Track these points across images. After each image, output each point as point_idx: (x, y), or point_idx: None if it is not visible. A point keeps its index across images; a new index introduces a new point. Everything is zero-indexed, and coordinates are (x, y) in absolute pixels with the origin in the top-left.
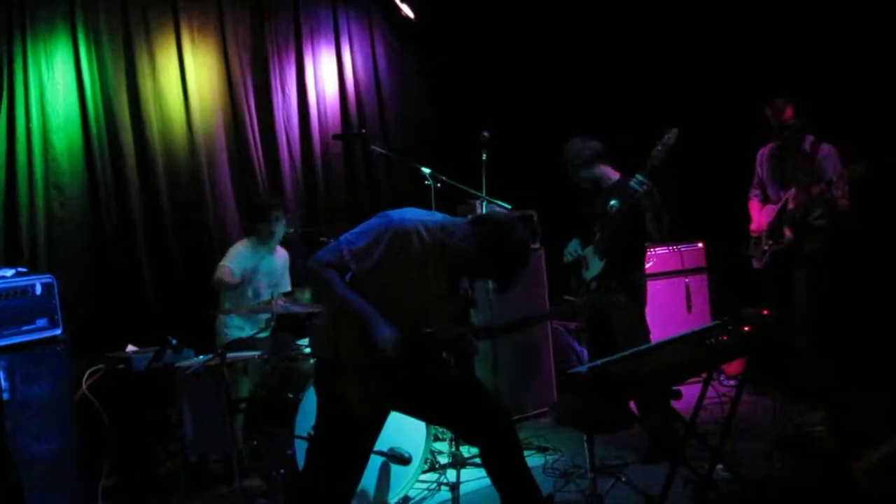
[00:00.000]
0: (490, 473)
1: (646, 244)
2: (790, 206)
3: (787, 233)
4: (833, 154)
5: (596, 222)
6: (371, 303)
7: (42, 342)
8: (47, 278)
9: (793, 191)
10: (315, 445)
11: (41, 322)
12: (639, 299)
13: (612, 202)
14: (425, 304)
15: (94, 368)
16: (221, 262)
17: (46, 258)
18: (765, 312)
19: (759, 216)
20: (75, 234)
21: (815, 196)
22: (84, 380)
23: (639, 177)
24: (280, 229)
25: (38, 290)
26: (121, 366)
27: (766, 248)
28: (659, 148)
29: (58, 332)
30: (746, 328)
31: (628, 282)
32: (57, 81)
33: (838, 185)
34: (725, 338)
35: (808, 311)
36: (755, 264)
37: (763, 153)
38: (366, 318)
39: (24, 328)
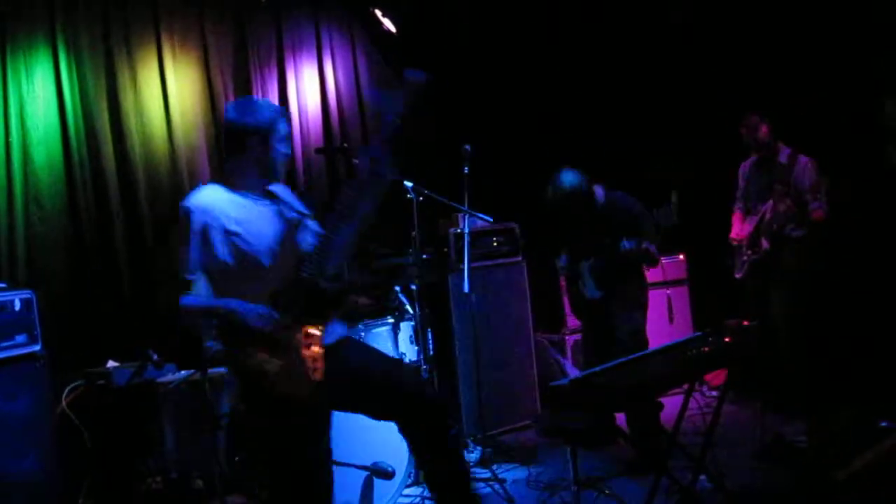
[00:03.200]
0: (416, 453)
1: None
2: (767, 217)
3: (765, 243)
4: (809, 166)
5: (588, 242)
6: (235, 294)
7: (21, 358)
8: (26, 293)
9: (770, 202)
10: (273, 469)
11: (20, 338)
12: (638, 317)
13: (625, 245)
14: (278, 261)
15: (74, 384)
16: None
17: (25, 273)
18: (745, 323)
19: (740, 227)
20: (55, 249)
21: (783, 212)
22: (64, 396)
23: (630, 244)
24: None
25: (17, 305)
26: (101, 381)
27: (745, 258)
28: (667, 212)
29: (37, 348)
30: (727, 339)
31: (631, 302)
32: (37, 95)
33: (814, 196)
34: (707, 349)
35: (785, 322)
36: (735, 274)
37: (744, 166)
38: (231, 313)
39: (3, 344)
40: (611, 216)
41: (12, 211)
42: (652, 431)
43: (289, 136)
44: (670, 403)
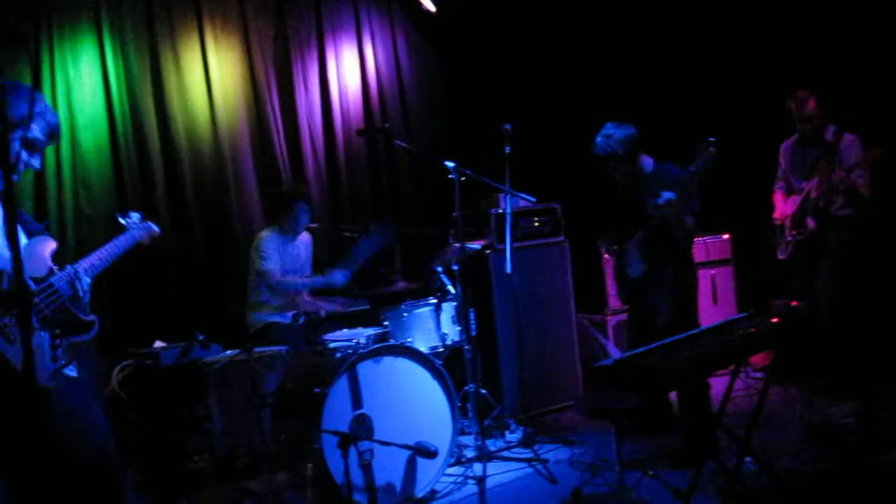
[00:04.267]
0: None
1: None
2: (813, 195)
3: (811, 223)
4: (856, 143)
5: (634, 217)
6: None
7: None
8: None
9: (815, 181)
10: None
11: None
12: (686, 299)
13: (660, 198)
14: None
15: (123, 364)
16: (266, 265)
17: (74, 255)
18: (793, 304)
19: (783, 206)
20: (102, 231)
21: (836, 184)
22: (114, 375)
23: (668, 195)
24: (304, 218)
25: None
26: (149, 361)
27: (789, 238)
28: (693, 169)
29: None
30: (775, 319)
31: (674, 283)
32: (83, 81)
33: (858, 171)
34: (754, 329)
35: (832, 302)
36: (779, 254)
37: (786, 145)
38: None
39: None
40: (658, 183)
41: (61, 194)
42: (700, 413)
43: (40, 147)
44: (715, 385)
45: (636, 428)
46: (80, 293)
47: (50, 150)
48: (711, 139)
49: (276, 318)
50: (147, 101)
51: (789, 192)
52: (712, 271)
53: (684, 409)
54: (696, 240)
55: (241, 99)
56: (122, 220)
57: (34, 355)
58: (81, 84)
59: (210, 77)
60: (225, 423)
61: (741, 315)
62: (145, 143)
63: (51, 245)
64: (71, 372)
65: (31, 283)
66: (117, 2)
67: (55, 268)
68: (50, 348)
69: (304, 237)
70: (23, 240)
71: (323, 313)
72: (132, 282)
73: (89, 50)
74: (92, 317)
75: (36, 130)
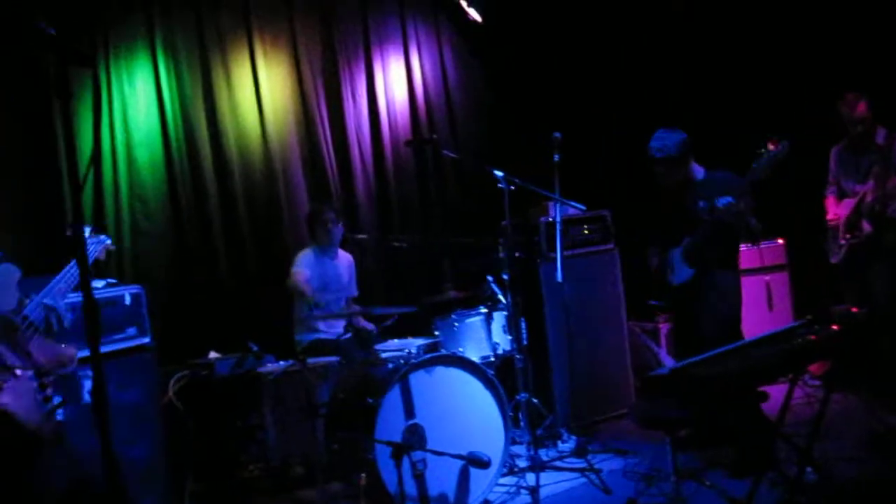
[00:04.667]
0: None
1: (739, 245)
2: (868, 199)
3: (866, 226)
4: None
5: (682, 224)
6: None
7: (131, 350)
8: (135, 289)
9: (870, 184)
10: None
11: (131, 331)
12: (732, 304)
13: (702, 204)
14: None
15: (179, 375)
16: (293, 268)
17: (132, 267)
18: (854, 310)
19: (836, 210)
20: (158, 245)
21: (892, 190)
22: (170, 386)
23: (727, 199)
24: (337, 232)
25: (128, 300)
26: (204, 372)
27: (842, 241)
28: (763, 161)
29: (146, 340)
30: (835, 326)
31: (720, 287)
32: (138, 99)
33: None
34: (814, 337)
35: (889, 306)
36: (832, 259)
37: (836, 150)
38: None
39: (116, 337)
40: (708, 191)
41: (118, 209)
42: (756, 423)
43: None
44: (772, 393)
45: (691, 438)
46: (56, 324)
47: (107, 168)
48: (774, 137)
49: (322, 335)
50: (199, 117)
51: (841, 196)
52: (766, 277)
53: (742, 419)
54: (750, 246)
55: (291, 112)
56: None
57: (23, 398)
58: (136, 102)
59: (260, 91)
60: (279, 434)
61: (799, 322)
62: (198, 157)
63: (16, 274)
64: (58, 416)
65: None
66: (170, 21)
67: (24, 298)
68: (39, 387)
69: (346, 258)
70: None
71: (369, 326)
72: (186, 293)
73: (144, 68)
74: (72, 348)
75: None
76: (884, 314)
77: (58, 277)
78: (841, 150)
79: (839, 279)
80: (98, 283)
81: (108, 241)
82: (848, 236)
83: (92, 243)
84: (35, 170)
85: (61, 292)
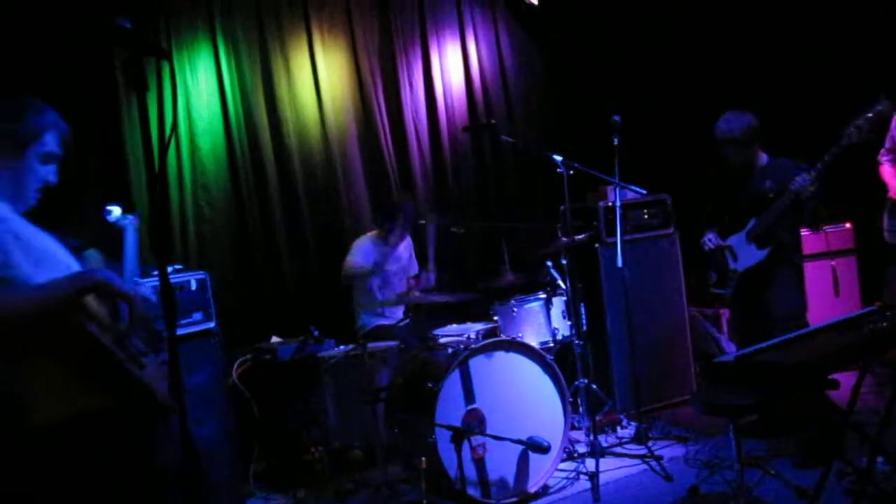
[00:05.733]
0: None
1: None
2: None
3: None
4: None
5: (748, 208)
6: None
7: (198, 335)
8: (201, 274)
9: None
10: None
11: (197, 315)
12: (801, 286)
13: (769, 184)
14: None
15: (242, 358)
16: (347, 258)
17: (196, 254)
18: None
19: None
20: (221, 231)
21: None
22: (234, 369)
23: (806, 175)
24: (406, 226)
25: (193, 285)
26: (267, 356)
27: None
28: (860, 122)
29: (212, 324)
30: None
31: (791, 269)
32: (200, 88)
33: None
34: (885, 324)
35: None
36: (888, 237)
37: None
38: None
39: (183, 321)
40: (773, 174)
41: (183, 198)
42: (824, 412)
43: (55, 159)
44: (843, 381)
45: (755, 427)
46: (149, 306)
47: (172, 157)
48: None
49: (382, 321)
50: (259, 105)
51: None
52: (833, 262)
53: (810, 408)
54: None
55: (349, 99)
56: (112, 218)
57: (157, 375)
58: (199, 92)
59: (318, 78)
60: (339, 417)
61: (869, 309)
62: (258, 145)
63: (100, 260)
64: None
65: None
66: (230, 11)
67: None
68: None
69: (406, 240)
70: (70, 259)
71: (426, 297)
72: (249, 279)
73: (205, 58)
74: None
75: (50, 142)
76: None
77: (125, 257)
78: None
79: None
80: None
81: (137, 220)
82: None
83: (131, 221)
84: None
85: (136, 275)
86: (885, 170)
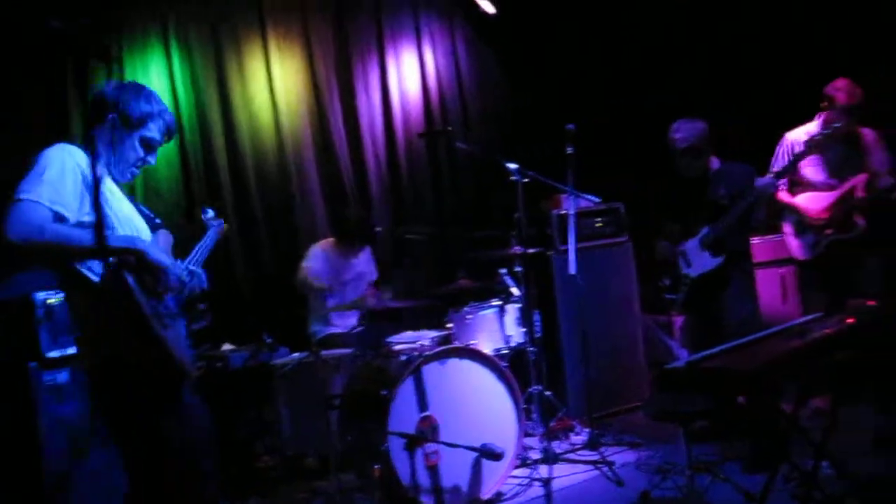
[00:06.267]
0: None
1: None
2: (859, 193)
3: (859, 220)
4: (878, 141)
5: (702, 215)
6: None
7: None
8: None
9: (862, 177)
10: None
11: None
12: (754, 293)
13: (723, 191)
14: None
15: None
16: (303, 264)
17: None
18: (869, 303)
19: (807, 204)
20: (174, 237)
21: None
22: None
23: (770, 178)
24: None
25: None
26: (219, 364)
27: (827, 234)
28: (818, 137)
29: None
30: (850, 320)
31: (745, 275)
32: (152, 90)
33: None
34: (829, 331)
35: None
36: (800, 255)
37: (795, 140)
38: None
39: None
40: (726, 181)
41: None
42: (771, 417)
43: (156, 145)
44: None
45: (705, 431)
46: (198, 285)
47: None
48: None
49: (334, 329)
50: (213, 109)
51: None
52: (781, 270)
53: (757, 413)
54: (764, 238)
55: (304, 105)
56: (203, 217)
57: (179, 342)
58: None
59: (273, 84)
60: (293, 425)
61: (814, 316)
62: (212, 149)
63: (170, 239)
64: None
65: (186, 276)
66: (184, 13)
67: (175, 261)
68: (186, 336)
69: (364, 248)
70: (148, 234)
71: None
72: None
73: (158, 61)
74: (204, 306)
75: (153, 130)
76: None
77: (197, 247)
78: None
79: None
80: None
81: (224, 225)
82: (829, 231)
83: (217, 225)
84: None
85: (197, 261)
86: (788, 195)
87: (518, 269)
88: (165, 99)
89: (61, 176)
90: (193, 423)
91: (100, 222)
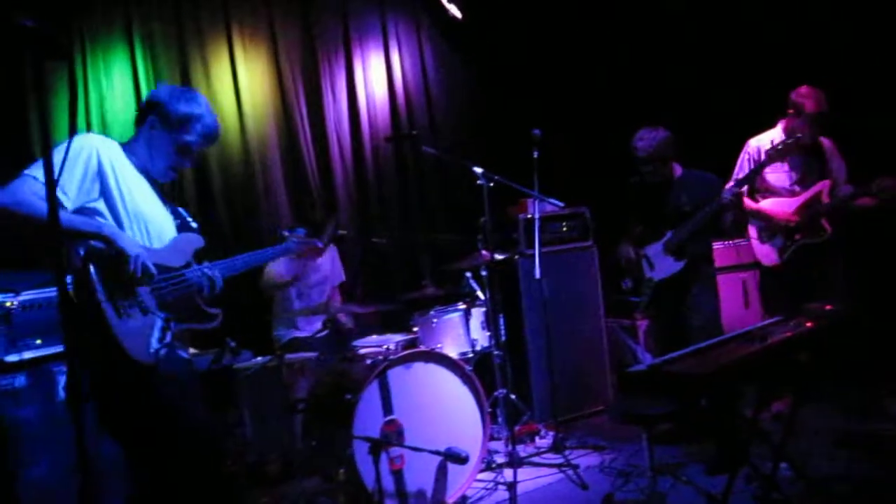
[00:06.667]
0: None
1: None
2: (825, 199)
3: (826, 226)
4: (835, 149)
5: (665, 220)
6: None
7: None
8: None
9: (827, 182)
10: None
11: None
12: (716, 297)
13: (685, 198)
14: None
15: None
16: (267, 266)
17: None
18: (828, 308)
19: (775, 209)
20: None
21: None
22: None
23: (733, 188)
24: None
25: None
26: None
27: (797, 239)
28: (781, 146)
29: None
30: (809, 324)
31: (705, 279)
32: (115, 90)
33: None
34: (789, 334)
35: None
36: (768, 260)
37: (758, 148)
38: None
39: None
40: (688, 188)
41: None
42: (732, 420)
43: (194, 149)
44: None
45: (668, 434)
46: (209, 289)
47: None
48: None
49: (297, 333)
50: None
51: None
52: (743, 275)
53: (718, 415)
54: (726, 243)
55: (270, 107)
56: (285, 234)
57: (139, 332)
58: (114, 94)
59: (239, 86)
60: (256, 429)
61: (776, 319)
62: None
63: (196, 243)
64: (183, 354)
65: (153, 268)
66: (148, 12)
67: (192, 262)
68: (160, 330)
69: (330, 249)
70: (173, 233)
71: (348, 322)
72: None
73: (121, 60)
74: (216, 310)
75: (192, 134)
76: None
77: (240, 256)
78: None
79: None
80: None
81: (319, 244)
82: (797, 237)
83: (297, 243)
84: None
85: (231, 267)
86: (753, 202)
87: (483, 273)
88: (129, 100)
89: (72, 162)
90: (181, 413)
91: (53, 205)
